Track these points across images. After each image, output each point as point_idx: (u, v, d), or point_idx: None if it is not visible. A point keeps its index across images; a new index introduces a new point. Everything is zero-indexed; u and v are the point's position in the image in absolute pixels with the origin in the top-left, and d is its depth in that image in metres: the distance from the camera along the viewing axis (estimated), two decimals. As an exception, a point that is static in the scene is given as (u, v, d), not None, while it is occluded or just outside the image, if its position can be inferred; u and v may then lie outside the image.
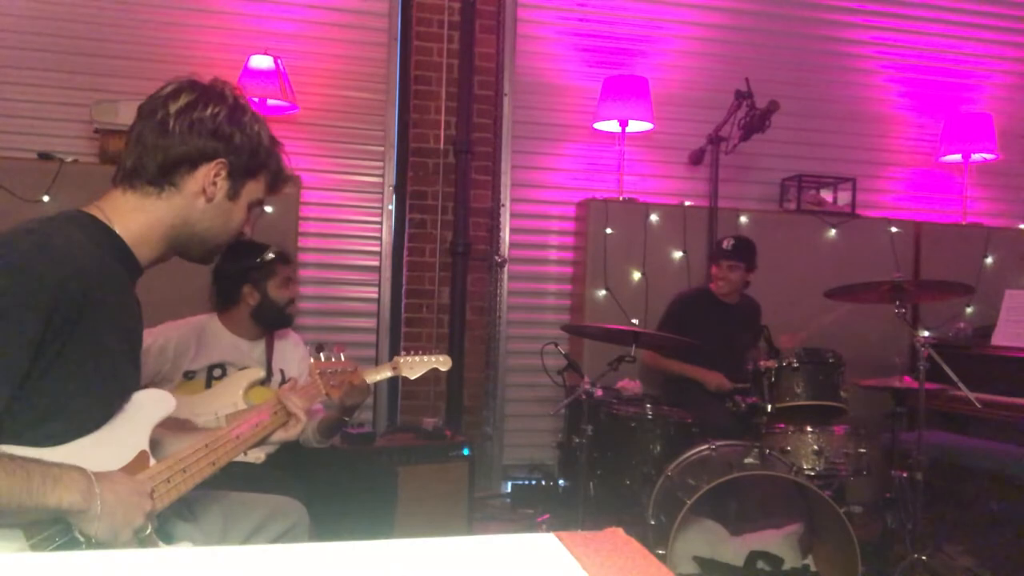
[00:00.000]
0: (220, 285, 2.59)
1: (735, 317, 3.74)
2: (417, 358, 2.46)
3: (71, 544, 1.22)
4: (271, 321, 2.61)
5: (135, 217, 1.41)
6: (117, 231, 1.39)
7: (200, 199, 1.44)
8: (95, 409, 1.32)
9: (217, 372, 2.51)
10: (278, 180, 1.56)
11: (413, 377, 2.45)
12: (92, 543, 1.22)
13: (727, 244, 3.70)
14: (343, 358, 2.16)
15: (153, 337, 2.44)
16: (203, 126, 1.41)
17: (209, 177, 1.43)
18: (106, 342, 1.30)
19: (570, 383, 3.65)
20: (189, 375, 2.48)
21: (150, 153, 1.40)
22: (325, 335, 3.24)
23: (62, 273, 1.22)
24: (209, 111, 1.42)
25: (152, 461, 1.38)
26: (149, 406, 1.42)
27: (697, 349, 3.34)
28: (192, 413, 2.31)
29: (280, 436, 1.72)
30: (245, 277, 2.56)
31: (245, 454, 1.69)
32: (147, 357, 2.40)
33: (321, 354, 2.12)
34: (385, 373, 2.43)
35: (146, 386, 2.24)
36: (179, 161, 1.41)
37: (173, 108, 1.41)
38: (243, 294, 2.57)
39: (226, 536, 1.65)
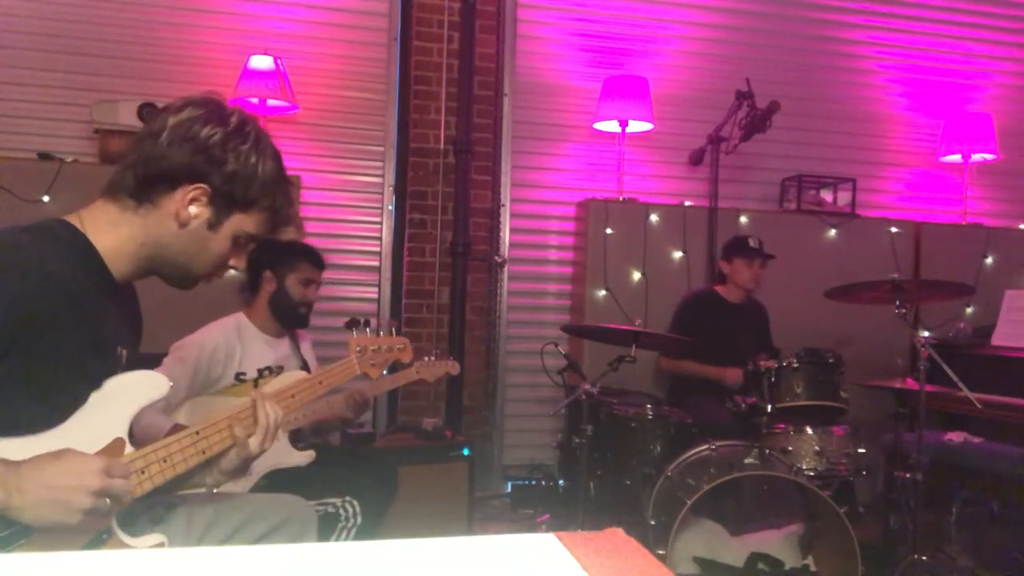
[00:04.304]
0: (247, 271, 2.58)
1: (742, 318, 3.74)
2: (434, 362, 2.72)
3: (30, 544, 1.17)
4: (285, 315, 2.63)
5: (110, 230, 1.35)
6: (93, 242, 1.34)
7: (173, 222, 1.36)
8: (45, 416, 1.26)
9: (266, 373, 2.55)
10: (277, 220, 1.46)
11: (432, 380, 2.72)
12: (43, 533, 1.17)
13: (754, 242, 3.68)
14: (393, 333, 1.94)
15: (199, 344, 2.42)
16: (191, 144, 1.34)
17: (184, 200, 1.35)
18: (64, 354, 1.26)
19: (570, 383, 3.64)
20: (240, 377, 2.50)
21: (135, 164, 1.35)
22: (325, 335, 3.22)
23: (20, 285, 1.19)
24: (205, 131, 1.34)
25: (129, 449, 1.31)
26: (134, 389, 1.35)
27: (707, 349, 3.34)
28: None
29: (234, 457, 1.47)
30: (268, 261, 2.58)
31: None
32: (200, 365, 2.40)
33: (368, 330, 1.88)
34: (411, 377, 2.67)
35: (200, 393, 2.26)
36: (158, 176, 1.34)
37: (172, 121, 1.35)
38: (263, 279, 2.59)
39: (233, 537, 1.63)
